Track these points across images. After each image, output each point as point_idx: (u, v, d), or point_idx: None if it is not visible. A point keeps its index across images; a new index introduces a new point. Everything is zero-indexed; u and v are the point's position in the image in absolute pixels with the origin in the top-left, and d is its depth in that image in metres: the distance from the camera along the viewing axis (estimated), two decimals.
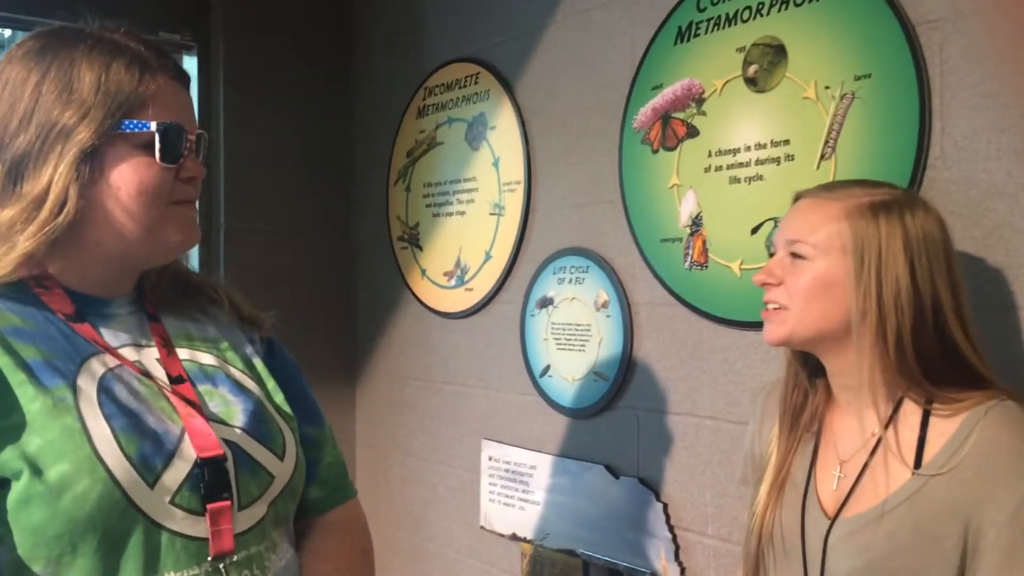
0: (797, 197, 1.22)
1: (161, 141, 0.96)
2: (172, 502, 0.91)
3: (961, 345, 1.09)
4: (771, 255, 1.21)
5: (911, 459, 1.07)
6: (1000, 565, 1.00)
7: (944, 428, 1.07)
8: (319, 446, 1.15)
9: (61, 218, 0.92)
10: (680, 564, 1.75)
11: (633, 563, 1.84)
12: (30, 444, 0.87)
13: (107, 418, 0.90)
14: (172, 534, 0.91)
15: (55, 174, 0.92)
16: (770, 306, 1.18)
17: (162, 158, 0.96)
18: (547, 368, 2.04)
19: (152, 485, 0.90)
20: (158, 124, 0.95)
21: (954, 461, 1.04)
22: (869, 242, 1.09)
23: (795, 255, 1.15)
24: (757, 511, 1.21)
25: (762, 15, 1.59)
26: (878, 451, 1.11)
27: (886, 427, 1.10)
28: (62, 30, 0.99)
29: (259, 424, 1.03)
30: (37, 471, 0.86)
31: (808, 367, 1.23)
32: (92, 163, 0.94)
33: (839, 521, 1.12)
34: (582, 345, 1.96)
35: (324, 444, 1.16)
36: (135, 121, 0.95)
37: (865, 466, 1.12)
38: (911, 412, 1.10)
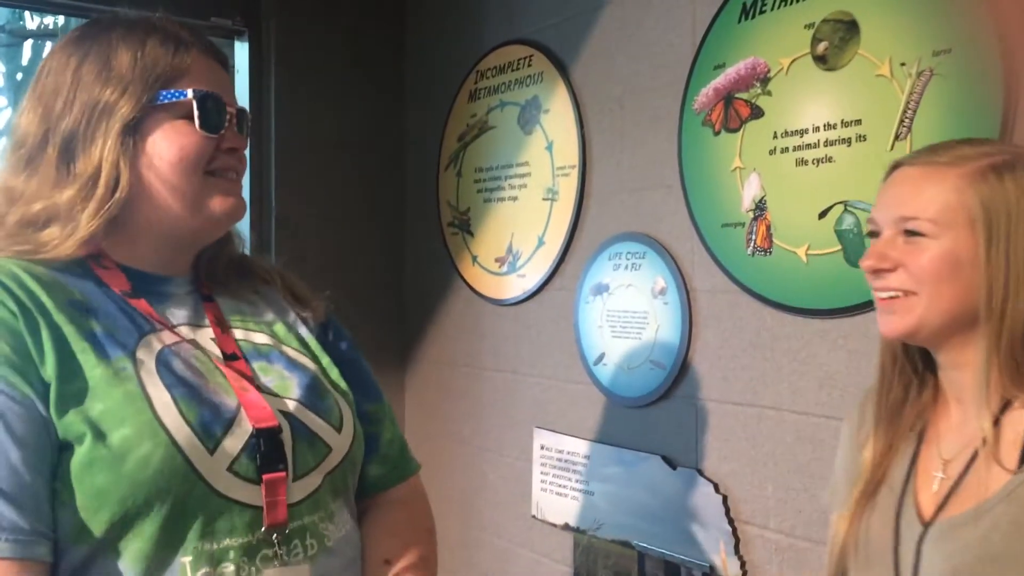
0: (895, 166, 1.07)
1: (199, 108, 0.98)
2: (230, 469, 0.92)
3: None
4: (870, 235, 1.07)
5: (1013, 461, 0.96)
6: None
7: None
8: (379, 422, 1.15)
9: (118, 193, 0.95)
10: (740, 558, 1.71)
11: (690, 556, 1.79)
12: (93, 409, 0.88)
13: (167, 387, 0.92)
14: (229, 501, 0.92)
15: (104, 150, 0.95)
16: (885, 294, 1.03)
17: (201, 125, 0.98)
18: (601, 356, 2.00)
19: (212, 451, 0.91)
20: (195, 92, 0.98)
21: None
22: (998, 208, 0.96)
23: (910, 233, 1.01)
24: (845, 516, 1.11)
25: None
26: (981, 452, 1.00)
27: (994, 425, 0.98)
28: (100, 20, 1.03)
29: (315, 397, 1.04)
30: (100, 435, 0.87)
31: (912, 360, 1.10)
32: (135, 136, 0.97)
33: (934, 525, 1.01)
34: (638, 333, 1.91)
35: (384, 420, 1.16)
36: (172, 91, 0.98)
37: (967, 467, 1.01)
38: (1019, 408, 0.98)
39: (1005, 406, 0.99)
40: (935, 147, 1.07)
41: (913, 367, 1.11)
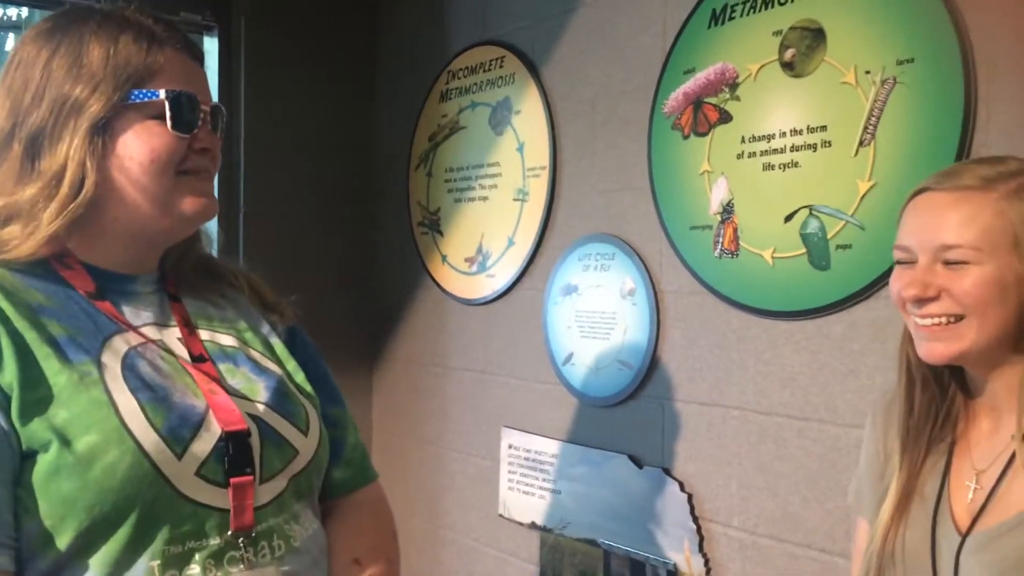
0: (919, 191, 1.06)
1: (171, 108, 0.96)
2: (198, 473, 0.92)
3: None
4: (899, 263, 1.07)
5: None
6: None
7: None
8: (343, 427, 1.15)
9: (82, 194, 0.93)
10: (704, 555, 1.73)
11: (655, 554, 1.81)
12: (57, 416, 0.87)
13: (133, 392, 0.91)
14: (197, 505, 0.91)
15: (70, 148, 0.92)
16: (929, 320, 1.03)
17: (173, 125, 0.96)
18: (570, 356, 2.02)
19: (180, 456, 0.91)
20: (167, 92, 0.96)
21: None
22: None
23: (951, 262, 1.01)
24: (878, 531, 1.10)
25: None
26: (1016, 460, 1.00)
27: None
28: (73, 10, 1.00)
29: (282, 400, 1.03)
30: (66, 442, 0.86)
31: (938, 375, 1.10)
32: (104, 135, 0.94)
33: (971, 536, 1.01)
34: (607, 333, 1.93)
35: (347, 426, 1.16)
36: (144, 91, 0.95)
37: (1002, 475, 1.01)
38: None
39: None
40: (953, 171, 1.07)
41: (938, 381, 1.11)
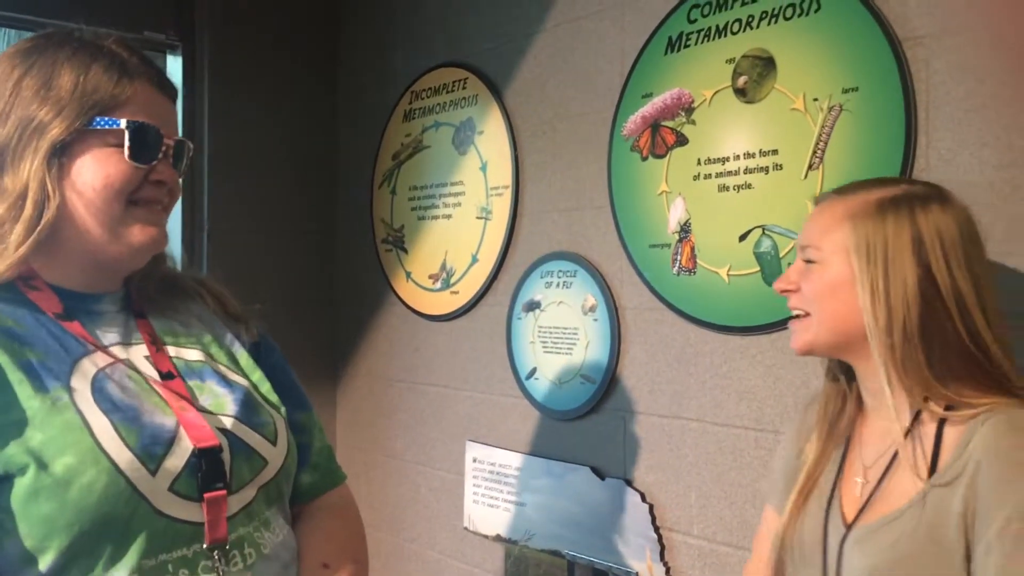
0: (817, 201, 1.20)
1: (131, 139, 0.98)
2: (171, 488, 0.94)
3: (982, 343, 1.05)
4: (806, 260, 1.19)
5: (925, 469, 1.05)
6: None
7: (955, 436, 1.04)
8: (308, 432, 1.18)
9: (46, 215, 0.95)
10: (665, 564, 1.79)
11: (618, 563, 1.86)
12: (33, 439, 0.89)
13: (104, 412, 0.93)
14: (170, 520, 0.94)
15: (31, 169, 0.94)
16: (794, 313, 1.17)
17: (131, 155, 0.98)
18: (533, 371, 2.07)
19: (154, 473, 0.93)
20: (129, 122, 0.98)
21: (956, 470, 1.01)
22: (874, 241, 1.07)
23: (808, 260, 1.15)
24: (783, 521, 1.19)
25: (752, 28, 1.63)
26: (897, 459, 1.09)
27: (905, 435, 1.07)
28: (54, 34, 1.02)
29: (249, 412, 1.06)
30: (43, 464, 0.88)
31: (846, 373, 1.21)
32: (63, 158, 0.96)
33: (855, 528, 1.10)
34: (569, 349, 1.99)
35: (313, 429, 1.19)
36: (106, 119, 0.97)
37: (885, 473, 1.10)
38: (928, 420, 1.07)
39: (916, 416, 1.09)
40: (849, 185, 1.19)
41: (846, 378, 1.21)
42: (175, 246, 2.49)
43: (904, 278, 1.06)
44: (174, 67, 2.51)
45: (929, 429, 1.07)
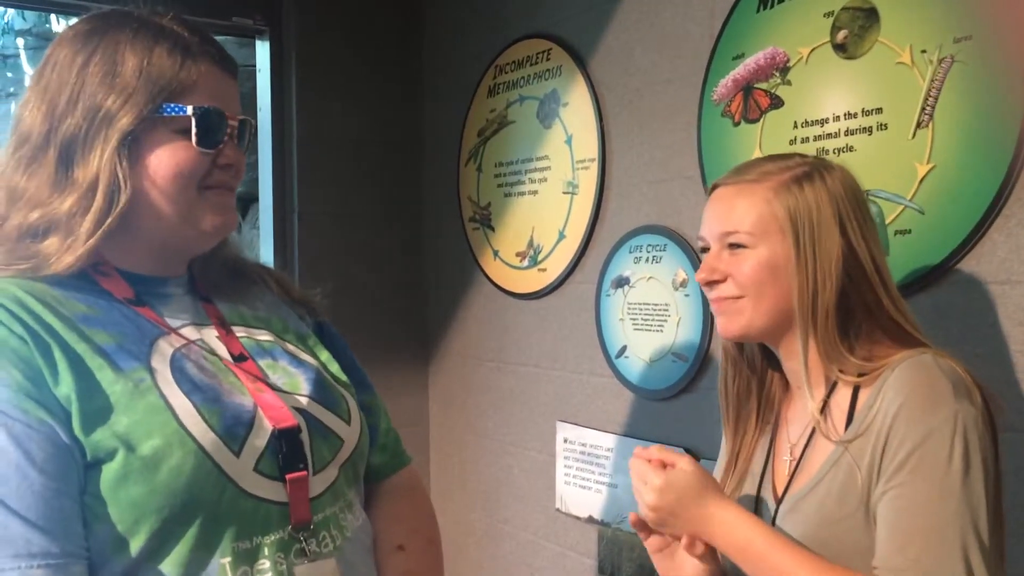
0: (713, 188, 1.19)
1: (198, 126, 0.97)
2: (256, 468, 0.94)
3: (902, 307, 1.10)
4: (702, 251, 1.18)
5: (837, 433, 1.07)
6: (888, 528, 0.98)
7: (868, 393, 1.05)
8: (375, 413, 1.18)
9: (117, 206, 0.95)
10: None
11: None
12: (119, 423, 0.89)
13: (186, 394, 0.93)
14: (258, 500, 0.93)
15: (103, 159, 0.94)
16: (721, 295, 1.15)
17: (198, 142, 0.97)
18: (623, 349, 2.00)
19: (238, 453, 0.93)
20: (195, 109, 0.97)
21: (867, 420, 1.03)
22: (802, 215, 1.08)
23: (733, 246, 1.12)
24: None
25: None
26: (817, 431, 1.11)
27: (821, 409, 1.09)
28: (111, 13, 1.00)
29: (323, 391, 1.05)
30: (131, 448, 0.88)
31: (749, 358, 1.22)
32: (132, 147, 0.96)
33: (783, 502, 1.12)
34: (660, 325, 1.91)
35: (379, 412, 1.19)
36: (174, 105, 0.96)
37: (807, 446, 1.12)
38: (843, 387, 1.09)
39: (832, 388, 1.10)
40: (742, 167, 1.18)
41: (750, 364, 1.22)
42: (265, 230, 2.54)
43: (830, 251, 1.07)
44: (262, 52, 2.54)
45: (844, 394, 1.08)
